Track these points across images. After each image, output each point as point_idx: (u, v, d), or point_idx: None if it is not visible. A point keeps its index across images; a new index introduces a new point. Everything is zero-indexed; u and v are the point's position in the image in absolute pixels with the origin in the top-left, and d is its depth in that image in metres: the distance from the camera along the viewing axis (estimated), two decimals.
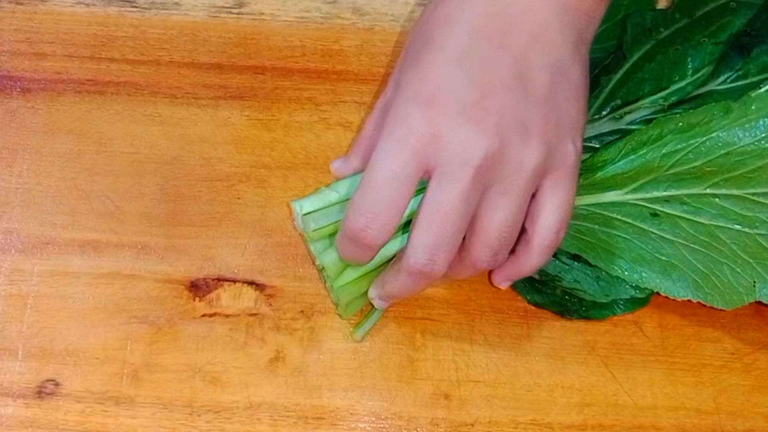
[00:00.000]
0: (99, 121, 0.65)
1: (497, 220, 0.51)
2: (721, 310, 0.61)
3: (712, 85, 0.61)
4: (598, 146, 0.60)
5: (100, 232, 0.62)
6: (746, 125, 0.54)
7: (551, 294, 0.61)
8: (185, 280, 0.61)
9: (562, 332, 0.61)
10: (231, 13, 0.68)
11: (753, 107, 0.54)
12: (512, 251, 0.55)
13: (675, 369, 0.61)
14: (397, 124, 0.50)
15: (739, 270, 0.57)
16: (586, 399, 0.60)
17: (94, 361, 0.59)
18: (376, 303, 0.58)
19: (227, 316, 0.60)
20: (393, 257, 0.56)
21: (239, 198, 0.63)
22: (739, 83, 0.61)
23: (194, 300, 0.61)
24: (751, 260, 0.57)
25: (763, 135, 0.54)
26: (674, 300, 0.62)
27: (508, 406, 0.60)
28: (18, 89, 0.66)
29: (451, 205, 0.50)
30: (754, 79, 0.60)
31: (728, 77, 0.61)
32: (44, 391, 0.58)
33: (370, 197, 0.51)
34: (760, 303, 0.59)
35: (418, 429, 0.59)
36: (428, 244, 0.51)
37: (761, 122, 0.54)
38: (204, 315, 0.61)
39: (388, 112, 0.52)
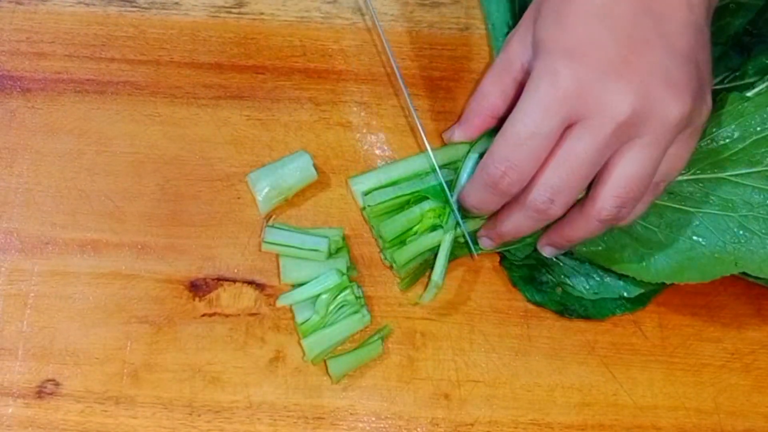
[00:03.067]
0: (99, 121, 0.65)
1: (632, 170, 0.52)
2: (721, 309, 0.62)
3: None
4: None
5: (100, 232, 0.62)
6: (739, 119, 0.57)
7: (551, 293, 0.61)
8: (185, 280, 0.61)
9: (562, 332, 0.61)
10: (231, 13, 0.68)
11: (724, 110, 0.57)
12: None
13: (675, 369, 0.61)
14: (543, 78, 0.51)
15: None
16: (586, 399, 0.60)
17: (94, 361, 0.59)
18: (483, 243, 0.60)
19: (227, 316, 0.60)
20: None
21: (239, 198, 0.63)
22: (736, 83, 0.61)
23: (194, 300, 0.61)
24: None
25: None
26: (674, 300, 0.62)
27: (508, 406, 0.60)
28: (18, 89, 0.66)
29: (585, 155, 0.51)
30: (751, 80, 0.60)
31: (726, 77, 0.61)
32: (44, 391, 0.58)
33: (513, 148, 0.52)
34: (760, 303, 0.59)
35: (418, 429, 0.59)
36: (552, 186, 0.52)
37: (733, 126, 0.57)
38: (204, 315, 0.61)
39: (532, 68, 0.52)
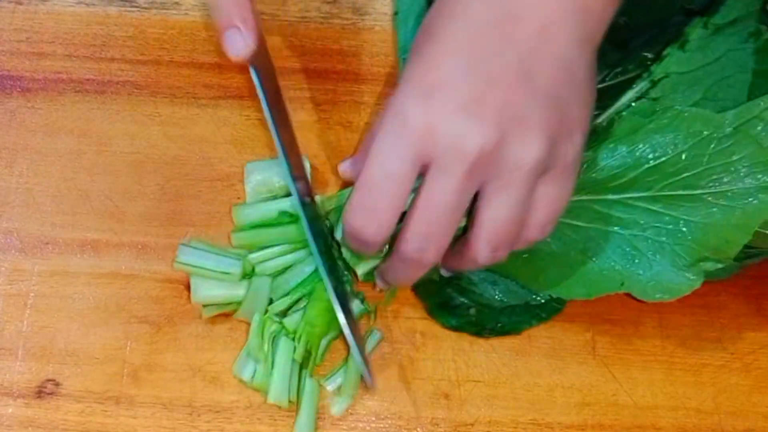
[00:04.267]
0: (99, 121, 0.65)
1: (496, 216, 0.51)
2: (721, 309, 0.62)
3: None
4: None
5: (100, 232, 0.62)
6: (610, 147, 0.57)
7: (466, 315, 0.61)
8: (185, 280, 0.61)
9: (562, 332, 0.61)
10: None
11: (616, 131, 0.57)
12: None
13: (675, 369, 0.61)
14: (394, 120, 0.50)
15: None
16: (586, 399, 0.60)
17: (94, 361, 0.59)
18: (380, 284, 0.60)
19: (227, 315, 0.60)
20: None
21: (239, 198, 0.63)
22: (617, 80, 0.60)
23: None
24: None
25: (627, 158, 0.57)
26: (674, 300, 0.62)
27: (508, 405, 0.60)
28: (18, 89, 0.66)
29: (444, 199, 0.49)
30: (632, 75, 0.59)
31: (607, 74, 0.60)
32: (44, 391, 0.58)
33: (367, 196, 0.50)
34: (760, 303, 0.59)
35: (418, 429, 0.59)
36: (420, 234, 0.51)
37: (622, 147, 0.57)
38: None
39: (387, 106, 0.51)
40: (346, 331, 0.56)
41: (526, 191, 0.50)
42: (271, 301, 0.60)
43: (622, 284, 0.58)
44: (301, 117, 0.66)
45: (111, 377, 0.59)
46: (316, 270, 0.59)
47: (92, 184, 0.63)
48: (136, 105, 0.65)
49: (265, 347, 0.58)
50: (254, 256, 0.60)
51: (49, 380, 0.59)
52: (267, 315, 0.59)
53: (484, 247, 0.52)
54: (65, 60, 0.66)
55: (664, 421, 0.60)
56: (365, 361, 0.57)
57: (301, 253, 0.60)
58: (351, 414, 0.59)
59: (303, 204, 0.58)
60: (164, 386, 0.59)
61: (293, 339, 0.58)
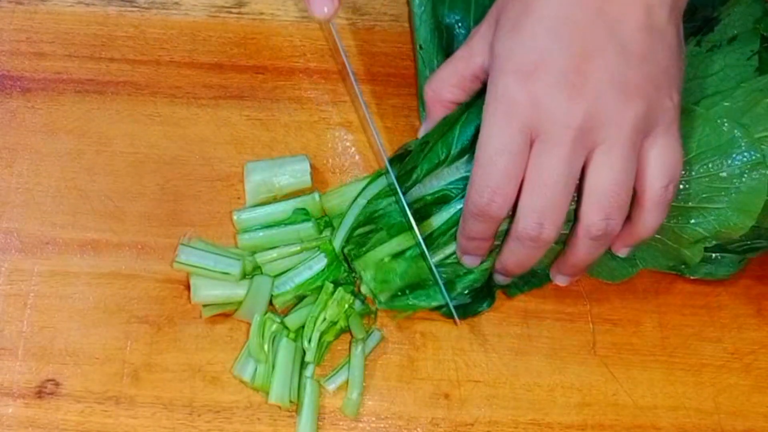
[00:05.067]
0: (99, 121, 0.65)
1: (604, 180, 0.52)
2: (721, 309, 0.62)
3: None
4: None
5: (100, 232, 0.62)
6: None
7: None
8: (185, 280, 0.61)
9: (562, 332, 0.61)
10: (231, 13, 0.68)
11: None
12: (627, 218, 0.54)
13: (675, 369, 0.61)
14: (500, 100, 0.52)
15: None
16: (586, 399, 0.60)
17: (94, 361, 0.59)
18: (497, 279, 0.60)
19: (227, 315, 0.60)
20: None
21: (239, 198, 0.63)
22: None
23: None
24: None
25: None
26: (674, 300, 0.62)
27: (508, 406, 0.60)
28: (18, 89, 0.66)
29: (556, 170, 0.51)
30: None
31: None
32: (44, 391, 0.58)
33: (489, 173, 0.53)
34: (760, 303, 0.59)
35: (418, 429, 0.59)
36: (536, 208, 0.52)
37: None
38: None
39: (489, 86, 0.53)
40: (436, 273, 0.58)
41: (631, 151, 0.52)
42: (271, 302, 0.60)
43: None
44: (301, 117, 0.66)
45: (111, 377, 0.59)
46: (323, 269, 0.60)
47: (92, 184, 0.63)
48: (136, 105, 0.65)
49: (266, 347, 0.58)
50: (262, 256, 0.60)
51: (49, 380, 0.59)
52: (267, 315, 0.59)
53: (596, 216, 0.53)
54: (65, 60, 0.66)
55: (664, 421, 0.60)
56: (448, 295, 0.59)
57: (309, 252, 0.61)
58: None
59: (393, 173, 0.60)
60: (164, 386, 0.59)
61: (294, 339, 0.58)
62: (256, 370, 0.58)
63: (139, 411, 0.58)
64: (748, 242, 0.60)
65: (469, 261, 0.59)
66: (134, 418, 0.58)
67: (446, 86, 0.59)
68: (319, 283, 0.60)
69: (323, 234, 0.61)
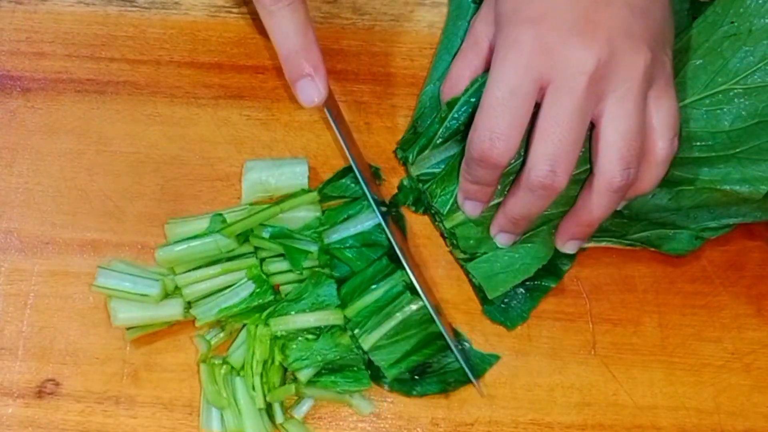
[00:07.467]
0: (99, 121, 0.65)
1: (621, 128, 0.52)
2: (721, 309, 0.62)
3: None
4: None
5: (100, 232, 0.62)
6: None
7: (431, 381, 0.59)
8: None
9: (562, 332, 0.61)
10: (231, 12, 0.68)
11: None
12: None
13: (675, 369, 0.61)
14: (510, 46, 0.53)
15: None
16: (586, 399, 0.60)
17: (94, 361, 0.59)
18: (501, 239, 0.59)
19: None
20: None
21: (239, 198, 0.63)
22: None
23: None
24: None
25: None
26: (674, 300, 0.62)
27: (508, 405, 0.60)
28: (18, 89, 0.66)
29: (568, 115, 0.52)
30: None
31: None
32: (44, 391, 0.58)
33: (493, 117, 0.53)
34: (760, 303, 0.59)
35: (418, 429, 0.59)
36: (548, 154, 0.52)
37: None
38: None
39: (498, 38, 0.54)
40: (452, 344, 0.58)
41: (642, 100, 0.53)
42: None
43: None
44: (301, 117, 0.66)
45: (111, 377, 0.59)
46: (250, 294, 0.58)
47: (92, 184, 0.63)
48: (136, 105, 0.65)
49: (223, 393, 0.57)
50: (181, 279, 0.58)
51: (49, 380, 0.59)
52: (210, 361, 0.58)
53: (617, 165, 0.53)
54: (65, 60, 0.66)
55: (664, 421, 0.60)
56: (471, 370, 0.58)
57: (232, 276, 0.59)
58: (351, 414, 0.59)
59: (381, 213, 0.60)
60: (164, 386, 0.59)
61: (243, 376, 0.57)
62: (222, 417, 0.57)
63: (139, 411, 0.58)
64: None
65: (470, 207, 0.58)
66: (134, 418, 0.58)
67: (461, 81, 0.59)
68: (243, 307, 0.58)
69: (243, 247, 0.59)
